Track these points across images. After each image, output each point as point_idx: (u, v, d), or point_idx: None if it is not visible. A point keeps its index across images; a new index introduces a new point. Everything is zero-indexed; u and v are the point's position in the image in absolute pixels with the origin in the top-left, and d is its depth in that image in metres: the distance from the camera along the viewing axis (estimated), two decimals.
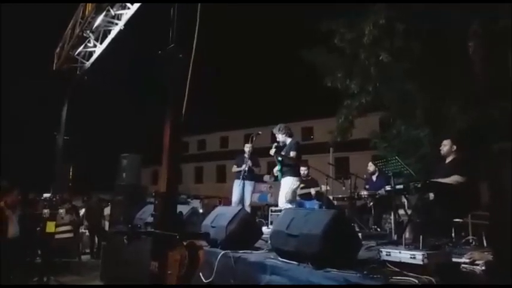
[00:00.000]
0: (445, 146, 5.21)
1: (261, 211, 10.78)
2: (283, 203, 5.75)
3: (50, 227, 7.12)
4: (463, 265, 3.35)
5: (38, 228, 7.31)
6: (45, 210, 7.33)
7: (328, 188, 7.53)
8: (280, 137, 6.00)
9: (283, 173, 5.89)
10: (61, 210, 8.23)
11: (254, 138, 6.79)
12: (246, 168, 6.88)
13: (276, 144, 5.98)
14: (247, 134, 7.27)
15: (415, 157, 9.55)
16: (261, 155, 7.70)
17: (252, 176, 7.31)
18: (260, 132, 6.78)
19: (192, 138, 36.29)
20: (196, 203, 14.68)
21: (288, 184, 5.80)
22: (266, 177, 7.96)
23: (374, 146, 11.70)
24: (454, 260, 3.37)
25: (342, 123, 11.10)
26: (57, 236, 8.49)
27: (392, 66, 9.54)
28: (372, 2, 9.46)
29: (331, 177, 8.22)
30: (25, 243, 7.06)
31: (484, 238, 4.72)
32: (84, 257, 9.97)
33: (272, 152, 5.87)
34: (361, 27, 9.62)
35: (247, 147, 7.28)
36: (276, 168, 6.02)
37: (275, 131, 6.06)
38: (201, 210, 11.46)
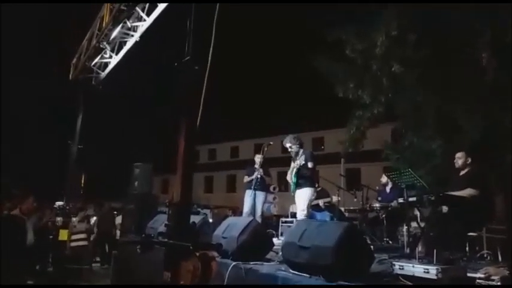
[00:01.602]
0: (460, 159, 5.13)
1: (270, 222, 10.70)
2: (304, 215, 5.64)
3: (63, 235, 7.21)
4: (478, 280, 3.30)
5: (51, 236, 7.39)
6: (58, 218, 7.43)
7: (339, 199, 7.48)
8: (294, 148, 5.89)
9: (300, 185, 5.76)
10: (74, 219, 8.33)
11: (266, 149, 6.79)
12: (259, 176, 6.88)
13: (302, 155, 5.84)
14: (257, 144, 7.28)
15: (428, 169, 9.44)
16: (272, 165, 7.69)
17: (264, 186, 7.30)
18: (272, 143, 6.77)
19: (202, 148, 36.43)
20: (206, 213, 14.69)
21: (308, 195, 5.70)
22: (271, 188, 7.93)
23: (386, 157, 11.61)
24: (468, 275, 3.32)
25: (353, 134, 11.03)
26: (72, 244, 8.59)
27: (405, 77, 9.50)
28: (382, 1, 9.45)
29: (343, 188, 8.18)
30: (39, 251, 7.14)
31: (499, 253, 4.63)
32: (94, 265, 10.02)
33: (301, 162, 5.67)
34: (372, 37, 9.62)
35: (258, 158, 7.29)
36: (293, 180, 5.87)
37: (288, 141, 5.92)
38: (211, 220, 11.45)
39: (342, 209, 7.61)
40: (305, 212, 5.68)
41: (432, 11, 8.83)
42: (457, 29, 8.64)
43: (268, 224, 9.70)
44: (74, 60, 9.10)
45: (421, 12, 9.00)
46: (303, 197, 5.72)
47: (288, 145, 5.89)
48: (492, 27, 8.11)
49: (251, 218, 5.30)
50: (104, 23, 7.27)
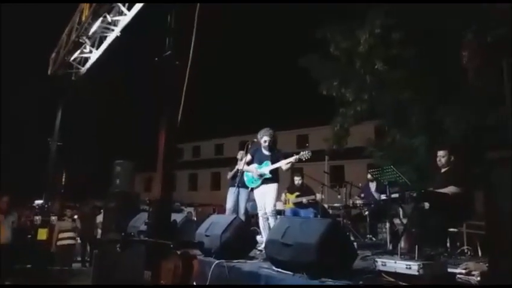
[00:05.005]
0: (443, 157, 5.19)
1: (254, 219, 10.71)
2: (273, 210, 5.41)
3: (42, 234, 7.05)
4: (458, 275, 3.34)
5: (29, 236, 7.23)
6: (37, 217, 7.26)
7: (323, 196, 7.50)
8: (271, 143, 5.64)
9: (272, 179, 5.52)
10: (53, 217, 8.16)
11: (249, 146, 6.73)
12: (235, 171, 6.81)
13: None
14: (242, 142, 7.22)
15: (411, 166, 9.56)
16: None
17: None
18: (255, 140, 6.71)
19: (186, 145, 36.19)
20: (190, 211, 14.60)
21: (276, 190, 5.51)
22: None
23: (369, 155, 11.72)
24: (449, 270, 3.36)
25: (337, 131, 11.10)
26: (59, 243, 8.44)
27: (388, 75, 9.59)
28: (370, 2, 9.53)
29: (326, 185, 8.20)
30: (17, 250, 6.98)
31: (479, 248, 4.70)
32: (75, 265, 9.84)
33: (308, 155, 5.35)
34: (356, 35, 9.68)
35: (240, 154, 7.27)
36: (260, 173, 5.60)
37: (266, 134, 5.62)
38: (194, 218, 11.37)
39: (326, 205, 7.63)
40: (274, 209, 5.46)
41: (416, 11, 8.92)
42: (440, 29, 8.74)
43: (252, 222, 9.68)
44: (53, 55, 8.86)
45: (405, 12, 9.09)
46: (272, 193, 5.47)
47: (266, 139, 5.61)
48: (474, 27, 8.22)
49: (234, 216, 5.24)
50: (84, 16, 7.10)
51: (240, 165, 6.92)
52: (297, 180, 7.79)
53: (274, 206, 5.51)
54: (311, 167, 11.45)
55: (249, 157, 5.83)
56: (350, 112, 10.57)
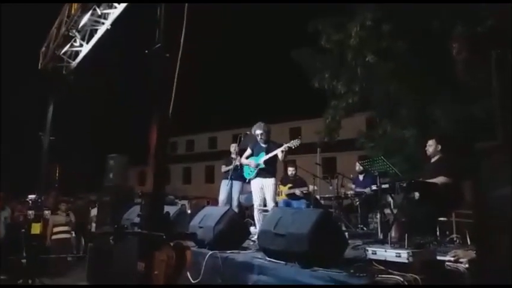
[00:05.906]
0: (431, 146, 5.27)
1: (248, 211, 10.77)
2: (272, 205, 5.62)
3: (35, 228, 7.03)
4: (447, 263, 3.42)
5: (23, 230, 7.21)
6: (30, 212, 7.24)
7: (315, 187, 7.57)
8: (265, 135, 5.84)
9: (267, 171, 5.72)
10: (46, 212, 8.14)
11: (242, 139, 6.77)
12: (238, 164, 6.87)
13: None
14: (235, 135, 7.24)
15: (401, 157, 9.65)
16: None
17: (240, 176, 7.30)
18: (248, 133, 6.74)
19: (180, 139, 36.12)
20: (184, 204, 14.64)
21: (274, 184, 5.74)
22: None
23: (361, 146, 11.80)
24: (438, 258, 3.44)
25: (329, 123, 11.16)
26: (54, 237, 8.46)
27: (379, 67, 9.63)
28: (361, 2, 9.56)
29: (319, 177, 8.27)
30: (11, 244, 6.97)
31: (467, 236, 4.80)
32: (69, 259, 9.85)
33: (297, 143, 5.58)
34: (347, 28, 9.70)
35: (233, 147, 7.32)
36: (256, 164, 5.77)
37: (260, 128, 5.83)
38: (188, 211, 11.40)
39: (318, 197, 7.71)
40: (274, 200, 5.68)
41: (407, 3, 8.94)
42: (430, 22, 8.78)
43: (246, 214, 9.75)
44: (43, 49, 8.75)
45: (396, 4, 9.11)
46: (271, 190, 5.67)
47: (259, 132, 5.82)
48: (463, 19, 8.27)
49: (227, 208, 5.31)
50: (73, 9, 7.01)
51: (237, 159, 6.98)
52: (291, 170, 7.87)
53: (275, 201, 5.70)
54: (303, 158, 11.54)
55: (249, 151, 6.04)
56: (342, 104, 10.61)
